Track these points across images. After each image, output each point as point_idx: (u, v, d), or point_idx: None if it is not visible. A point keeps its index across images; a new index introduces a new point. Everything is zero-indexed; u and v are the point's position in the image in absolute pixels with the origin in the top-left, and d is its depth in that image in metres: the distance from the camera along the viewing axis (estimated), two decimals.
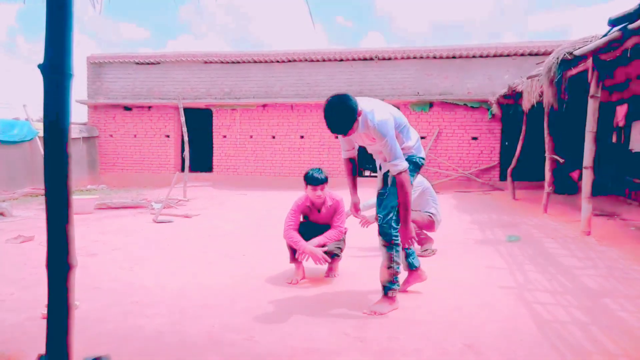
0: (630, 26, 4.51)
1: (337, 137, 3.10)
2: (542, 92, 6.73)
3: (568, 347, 2.47)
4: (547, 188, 7.61)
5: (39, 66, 1.31)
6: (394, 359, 2.38)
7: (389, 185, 3.08)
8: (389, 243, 3.02)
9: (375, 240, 4.56)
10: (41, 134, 10.80)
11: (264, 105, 12.97)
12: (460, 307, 3.12)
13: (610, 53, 5.22)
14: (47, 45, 1.31)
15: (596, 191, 5.92)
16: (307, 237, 3.73)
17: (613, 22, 4.69)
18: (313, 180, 3.71)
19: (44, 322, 1.28)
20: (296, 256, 3.69)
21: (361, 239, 5.02)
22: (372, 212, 3.82)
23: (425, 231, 4.71)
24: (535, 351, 2.44)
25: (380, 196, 3.14)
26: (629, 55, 5.06)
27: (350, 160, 3.29)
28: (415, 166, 3.14)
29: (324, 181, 3.72)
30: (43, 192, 1.42)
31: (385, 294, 3.06)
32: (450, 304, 3.20)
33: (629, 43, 4.76)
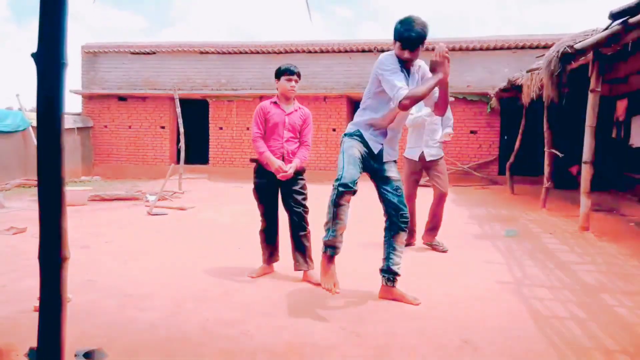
0: (631, 20, 4.48)
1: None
2: (542, 86, 6.70)
3: (566, 343, 2.46)
4: (546, 183, 7.61)
5: (32, 55, 1.28)
6: (390, 354, 2.35)
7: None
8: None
9: (371, 235, 4.54)
10: (34, 124, 10.71)
11: (261, 97, 12.87)
12: (457, 302, 3.10)
13: (611, 47, 5.19)
14: (40, 34, 1.28)
15: (595, 186, 5.92)
16: (269, 198, 3.64)
17: (614, 16, 4.66)
18: (287, 69, 3.57)
19: (36, 314, 1.26)
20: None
21: (359, 235, 5.01)
22: None
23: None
24: (532, 347, 2.43)
25: (399, 190, 3.09)
26: (629, 49, 5.04)
27: None
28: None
29: (299, 72, 3.63)
30: (36, 183, 1.39)
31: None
32: (447, 299, 3.18)
33: (630, 37, 4.73)
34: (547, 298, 3.19)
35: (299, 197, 3.61)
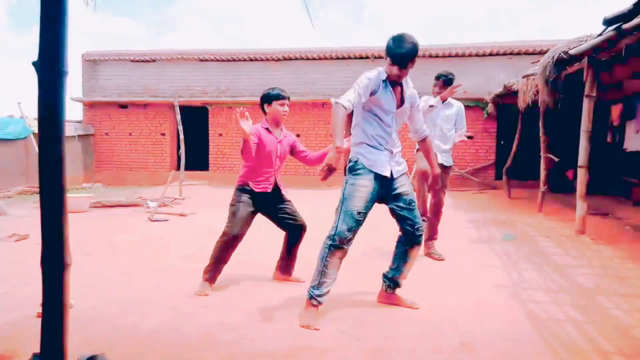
0: (625, 26, 4.53)
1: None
2: (537, 91, 6.74)
3: (563, 346, 2.49)
4: (542, 187, 7.64)
5: (33, 63, 1.30)
6: (388, 357, 2.38)
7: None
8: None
9: (370, 242, 4.56)
10: (36, 131, 10.73)
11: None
12: (455, 306, 3.13)
13: (605, 53, 5.24)
14: (41, 42, 1.29)
15: (591, 190, 5.95)
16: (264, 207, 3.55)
17: (608, 22, 4.71)
18: (279, 95, 3.46)
19: (39, 320, 1.27)
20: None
21: (362, 242, 5.03)
22: None
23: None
24: (530, 350, 2.45)
25: (412, 204, 3.00)
26: (623, 54, 5.09)
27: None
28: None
29: (289, 96, 3.56)
30: (37, 190, 1.41)
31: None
32: (445, 302, 3.21)
33: (624, 43, 4.78)
34: (544, 301, 3.22)
35: (292, 211, 3.62)
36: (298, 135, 13.08)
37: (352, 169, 2.93)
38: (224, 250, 3.44)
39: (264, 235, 5.34)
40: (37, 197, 1.35)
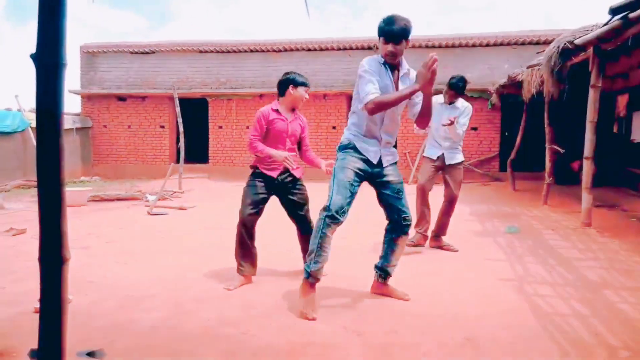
0: (631, 15, 4.46)
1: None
2: (542, 82, 6.68)
3: (568, 340, 2.45)
4: (547, 179, 7.60)
5: (31, 55, 1.28)
6: (392, 352, 2.35)
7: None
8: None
9: (372, 236, 4.52)
10: (33, 124, 10.70)
11: (261, 95, 12.85)
12: (459, 300, 3.09)
13: (611, 42, 5.17)
14: (39, 34, 1.28)
15: (597, 182, 5.91)
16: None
17: (614, 11, 4.64)
18: (306, 82, 3.49)
19: (37, 316, 1.25)
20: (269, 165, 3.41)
21: (360, 237, 5.00)
22: None
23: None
24: (535, 344, 2.42)
25: (400, 193, 3.03)
26: (629, 44, 5.02)
27: None
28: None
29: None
30: (35, 184, 1.38)
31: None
32: (449, 296, 3.17)
33: (630, 32, 4.71)
34: (549, 295, 3.18)
35: (303, 203, 3.60)
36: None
37: (343, 147, 3.01)
38: (239, 236, 3.46)
39: (264, 227, 5.32)
40: (35, 190, 1.33)
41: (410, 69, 3.03)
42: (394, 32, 2.77)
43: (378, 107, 2.77)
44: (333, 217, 2.80)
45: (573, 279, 3.56)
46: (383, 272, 3.16)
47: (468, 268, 3.90)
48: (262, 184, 3.49)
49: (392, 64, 2.90)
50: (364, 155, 2.96)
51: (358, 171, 2.93)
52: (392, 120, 3.01)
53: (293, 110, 3.59)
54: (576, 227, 5.54)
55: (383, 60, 2.88)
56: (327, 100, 12.73)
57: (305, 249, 3.59)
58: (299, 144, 3.69)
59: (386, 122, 2.97)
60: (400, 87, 2.92)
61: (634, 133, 8.55)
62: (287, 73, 3.55)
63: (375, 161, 2.97)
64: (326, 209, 2.82)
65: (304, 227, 3.61)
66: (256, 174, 3.52)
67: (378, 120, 2.94)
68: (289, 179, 3.53)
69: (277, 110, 3.51)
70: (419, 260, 4.17)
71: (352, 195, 2.89)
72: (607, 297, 3.13)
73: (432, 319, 2.76)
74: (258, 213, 3.50)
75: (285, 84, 3.51)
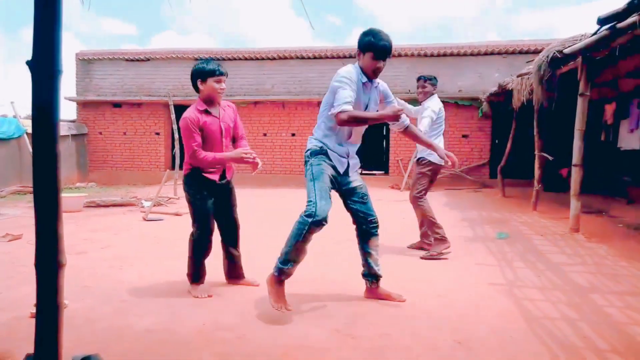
0: (619, 25, 4.56)
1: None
2: (532, 90, 6.78)
3: (557, 343, 2.49)
4: (537, 185, 7.68)
5: (27, 63, 1.29)
6: (385, 355, 2.38)
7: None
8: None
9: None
10: (29, 131, 10.64)
11: (255, 103, 12.92)
12: (450, 304, 3.14)
13: (599, 52, 5.27)
14: (35, 42, 1.29)
15: (585, 189, 5.99)
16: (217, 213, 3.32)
17: (602, 21, 4.74)
18: (215, 70, 3.09)
19: (33, 321, 1.26)
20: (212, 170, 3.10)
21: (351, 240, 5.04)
22: None
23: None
24: (525, 347, 2.46)
25: (365, 197, 3.10)
26: (617, 53, 5.12)
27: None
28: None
29: (226, 72, 3.20)
30: (31, 190, 1.40)
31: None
32: (440, 300, 3.21)
33: (618, 42, 4.81)
34: (539, 299, 3.23)
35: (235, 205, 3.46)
36: (293, 135, 13.09)
37: (317, 153, 2.98)
38: (202, 254, 3.34)
39: (257, 235, 5.34)
40: (31, 196, 1.35)
41: (379, 82, 3.08)
42: (387, 48, 2.82)
43: (350, 121, 2.81)
44: (319, 222, 2.79)
45: (562, 283, 3.61)
46: (371, 277, 3.19)
47: (459, 272, 3.95)
48: (207, 192, 3.23)
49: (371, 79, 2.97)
50: (334, 164, 2.99)
51: (331, 177, 2.96)
52: (359, 133, 3.10)
53: (215, 104, 3.23)
54: (565, 232, 5.61)
55: (365, 78, 2.93)
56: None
57: (226, 262, 3.54)
58: (235, 133, 3.40)
59: (354, 136, 3.06)
60: (373, 98, 3.02)
61: (621, 141, 8.67)
62: (197, 64, 3.18)
63: (342, 170, 3.02)
64: (311, 215, 2.78)
65: (234, 233, 3.48)
66: (197, 182, 3.18)
67: (347, 131, 3.00)
68: (225, 180, 3.33)
69: (204, 111, 3.19)
70: (410, 265, 4.21)
71: (331, 200, 2.91)
72: (595, 301, 3.18)
73: (424, 323, 2.80)
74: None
75: (193, 79, 3.17)
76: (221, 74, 3.14)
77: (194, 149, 3.09)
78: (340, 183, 3.05)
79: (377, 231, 3.13)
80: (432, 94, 4.68)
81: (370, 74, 2.93)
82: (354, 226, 3.16)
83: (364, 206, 3.07)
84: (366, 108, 3.02)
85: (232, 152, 3.17)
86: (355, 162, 3.14)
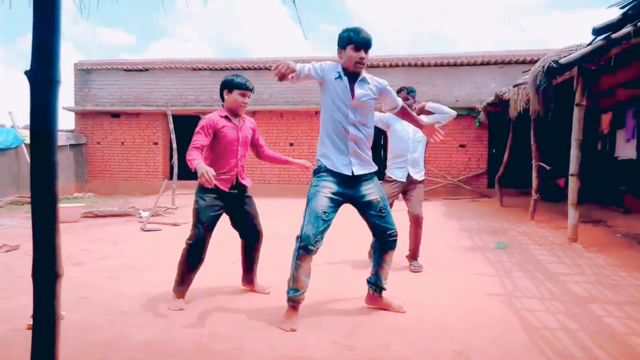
0: (614, 36, 4.61)
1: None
2: (528, 100, 6.82)
3: (557, 354, 2.49)
4: (534, 195, 7.70)
5: (26, 72, 1.29)
6: None
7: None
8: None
9: (363, 251, 4.52)
10: (27, 141, 10.67)
11: (253, 113, 12.95)
12: (449, 314, 3.13)
13: (595, 62, 5.32)
14: (33, 51, 1.29)
15: (582, 198, 6.00)
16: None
17: (597, 32, 4.79)
18: (241, 84, 3.27)
19: (29, 333, 1.26)
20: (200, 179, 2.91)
21: (351, 253, 5.02)
22: None
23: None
24: (524, 358, 2.45)
25: (384, 210, 3.04)
26: (612, 63, 5.17)
27: None
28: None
29: (252, 88, 3.37)
30: (29, 200, 1.40)
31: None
32: (439, 311, 3.20)
33: (613, 52, 4.86)
34: (538, 309, 3.22)
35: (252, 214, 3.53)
36: (291, 145, 13.11)
37: (316, 172, 3.00)
38: (195, 261, 3.33)
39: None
40: (28, 207, 1.35)
41: (369, 76, 3.06)
42: (366, 39, 2.88)
43: (297, 77, 2.84)
44: (305, 248, 2.80)
45: (560, 293, 3.61)
46: (376, 287, 3.20)
47: (458, 282, 3.94)
48: (213, 200, 3.31)
49: (354, 73, 2.95)
50: (336, 176, 2.92)
51: (333, 196, 2.88)
52: (359, 130, 2.96)
53: (237, 116, 3.38)
54: (563, 242, 5.62)
55: (344, 70, 2.94)
56: (318, 117, 12.78)
57: (245, 268, 3.63)
58: (256, 147, 3.59)
59: (353, 131, 2.94)
60: (358, 91, 2.94)
61: (618, 150, 8.71)
62: (228, 76, 3.37)
63: (348, 172, 2.91)
64: (298, 240, 2.84)
65: (253, 243, 3.57)
66: (207, 188, 3.17)
67: (344, 127, 2.92)
68: (235, 190, 3.40)
69: (225, 117, 3.33)
70: (408, 275, 4.20)
71: (327, 223, 2.85)
72: (594, 311, 3.17)
73: (423, 333, 2.78)
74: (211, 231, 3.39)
75: (221, 88, 3.36)
76: (247, 88, 3.32)
77: (192, 144, 3.17)
78: (352, 197, 2.97)
79: (395, 244, 3.10)
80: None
81: (352, 67, 2.92)
82: (373, 238, 3.17)
83: (382, 220, 3.02)
84: (344, 97, 2.92)
85: (200, 166, 2.95)
86: (358, 159, 2.97)
